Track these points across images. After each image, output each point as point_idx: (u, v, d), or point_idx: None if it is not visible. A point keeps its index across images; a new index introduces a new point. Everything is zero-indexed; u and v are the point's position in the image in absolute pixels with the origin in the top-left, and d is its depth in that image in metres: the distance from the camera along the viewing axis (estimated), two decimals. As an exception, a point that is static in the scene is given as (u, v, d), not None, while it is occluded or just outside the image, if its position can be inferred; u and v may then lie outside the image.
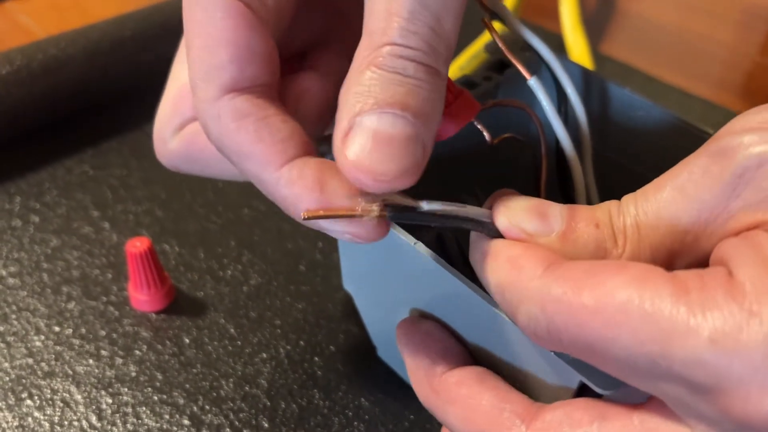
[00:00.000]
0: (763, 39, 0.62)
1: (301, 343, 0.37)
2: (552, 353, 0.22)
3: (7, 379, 0.35)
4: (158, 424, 0.34)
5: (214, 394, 0.35)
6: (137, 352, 0.37)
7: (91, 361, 0.36)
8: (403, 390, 0.35)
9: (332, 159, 0.21)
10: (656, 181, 0.21)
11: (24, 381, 0.35)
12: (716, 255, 0.19)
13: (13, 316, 0.38)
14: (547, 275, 0.19)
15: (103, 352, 0.37)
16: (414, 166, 0.20)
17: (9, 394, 0.35)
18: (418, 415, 0.34)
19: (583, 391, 0.23)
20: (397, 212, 0.21)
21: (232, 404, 0.34)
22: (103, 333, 0.37)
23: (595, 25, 0.63)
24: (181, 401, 0.35)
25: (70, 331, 0.38)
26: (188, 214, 0.44)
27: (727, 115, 0.53)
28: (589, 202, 0.31)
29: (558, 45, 0.56)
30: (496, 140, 0.29)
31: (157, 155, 0.29)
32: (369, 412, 0.34)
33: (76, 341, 0.37)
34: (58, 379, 0.35)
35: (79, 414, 0.34)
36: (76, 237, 0.42)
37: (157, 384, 0.35)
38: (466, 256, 0.24)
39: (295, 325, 0.38)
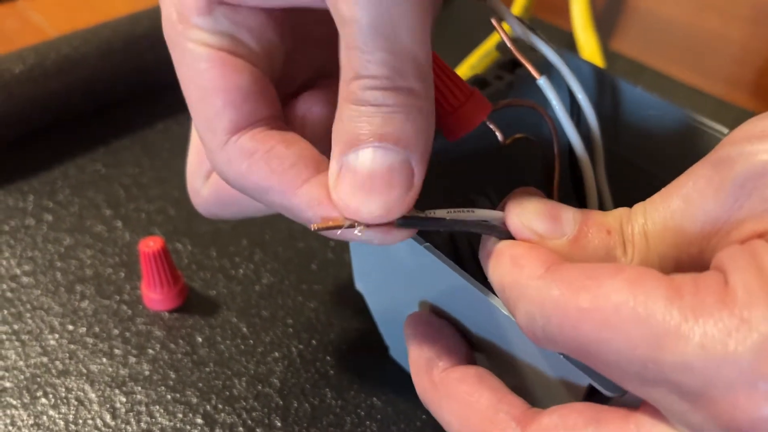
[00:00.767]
0: (776, 36, 0.62)
1: (314, 342, 0.37)
2: (561, 355, 0.22)
3: (22, 377, 0.36)
4: (172, 423, 0.34)
5: (227, 393, 0.35)
6: (150, 351, 0.37)
7: (104, 359, 0.36)
8: (416, 390, 0.35)
9: None
10: (665, 190, 0.21)
11: (39, 379, 0.35)
12: (716, 262, 0.19)
13: (28, 315, 0.38)
14: (547, 276, 0.20)
15: (117, 351, 0.37)
16: (401, 195, 0.20)
17: (24, 392, 0.35)
18: (429, 414, 0.34)
19: (592, 394, 0.23)
20: (407, 220, 0.21)
21: (244, 403, 0.35)
22: (116, 332, 0.38)
23: (607, 22, 0.63)
24: (194, 400, 0.35)
25: (84, 329, 0.38)
26: (200, 212, 0.44)
27: (739, 114, 0.52)
28: (601, 202, 0.31)
29: (569, 43, 0.56)
30: (508, 140, 0.29)
31: (194, 206, 0.30)
32: (381, 411, 0.34)
33: (90, 340, 0.37)
34: (73, 378, 0.36)
35: (93, 412, 0.34)
36: (89, 235, 0.43)
37: (170, 383, 0.35)
38: (478, 256, 0.24)
39: (307, 324, 0.38)
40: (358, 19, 0.19)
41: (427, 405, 0.26)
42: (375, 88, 0.20)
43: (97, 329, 0.38)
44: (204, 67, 0.22)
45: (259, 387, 0.35)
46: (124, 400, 0.35)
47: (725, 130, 0.29)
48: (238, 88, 0.23)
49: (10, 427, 0.34)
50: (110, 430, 0.34)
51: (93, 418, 0.34)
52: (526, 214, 0.22)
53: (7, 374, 0.36)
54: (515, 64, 0.34)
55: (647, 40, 0.61)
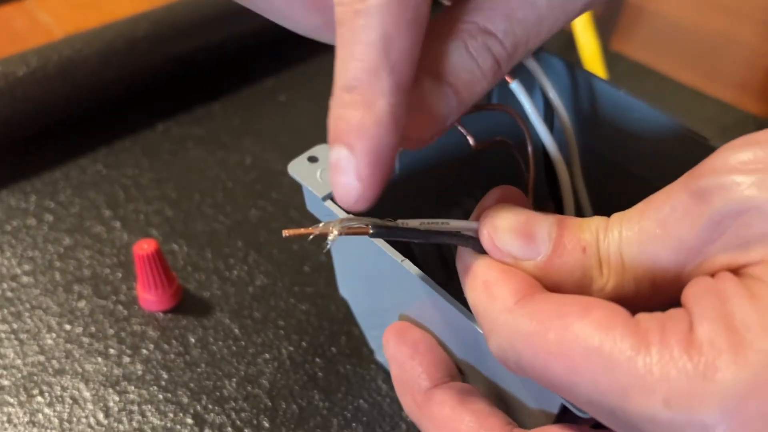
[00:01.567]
0: (783, 37, 0.61)
1: (303, 344, 0.38)
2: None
3: (20, 375, 0.36)
4: (162, 423, 0.35)
5: (217, 393, 0.36)
6: (144, 351, 0.38)
7: (99, 359, 0.37)
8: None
9: None
10: (642, 206, 0.20)
11: (35, 378, 0.36)
12: (684, 298, 0.19)
13: (27, 314, 0.39)
14: (517, 309, 0.20)
15: (111, 351, 0.38)
16: (360, 188, 0.20)
17: (21, 390, 0.36)
18: (415, 417, 0.35)
19: (566, 413, 0.23)
20: (380, 228, 0.21)
21: (234, 404, 0.35)
22: (111, 332, 0.38)
23: (609, 21, 0.63)
24: (185, 400, 0.35)
25: (81, 329, 0.39)
26: (197, 214, 0.45)
27: (740, 117, 0.52)
28: (578, 204, 0.31)
29: (569, 44, 0.56)
30: (481, 145, 0.29)
31: None
32: (367, 413, 0.35)
33: (86, 339, 0.38)
34: (68, 377, 0.36)
35: (87, 411, 0.35)
36: (88, 236, 0.44)
37: (163, 383, 0.36)
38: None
39: (297, 327, 0.39)
40: None
41: (416, 424, 0.26)
42: (343, 89, 0.20)
43: (93, 329, 0.39)
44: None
45: (249, 388, 0.36)
46: (117, 399, 0.36)
47: (707, 138, 0.29)
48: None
49: (6, 425, 0.34)
50: (103, 428, 0.34)
51: (87, 417, 0.35)
52: (500, 235, 0.22)
53: (5, 372, 0.37)
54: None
55: (652, 42, 0.61)
